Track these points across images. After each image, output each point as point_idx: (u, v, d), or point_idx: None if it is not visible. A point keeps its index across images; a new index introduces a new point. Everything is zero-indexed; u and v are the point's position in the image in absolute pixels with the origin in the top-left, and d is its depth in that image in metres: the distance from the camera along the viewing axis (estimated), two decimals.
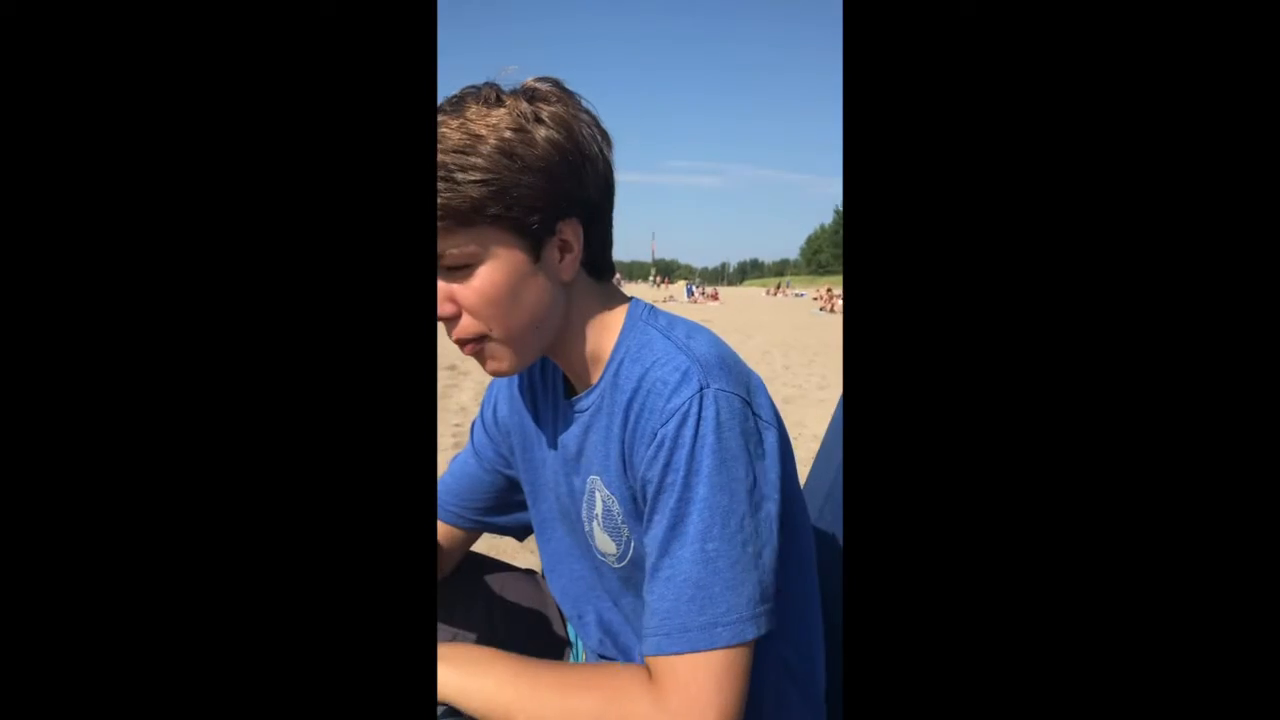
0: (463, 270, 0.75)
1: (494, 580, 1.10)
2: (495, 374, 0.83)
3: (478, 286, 0.76)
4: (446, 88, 0.76)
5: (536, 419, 0.94)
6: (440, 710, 0.74)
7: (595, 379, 0.84)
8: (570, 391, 0.89)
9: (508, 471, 1.02)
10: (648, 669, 0.71)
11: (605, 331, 0.84)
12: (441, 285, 0.77)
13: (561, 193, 0.76)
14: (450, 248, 0.74)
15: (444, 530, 1.04)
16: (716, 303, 31.99)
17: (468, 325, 0.78)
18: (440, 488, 1.06)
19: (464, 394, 5.82)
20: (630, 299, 0.87)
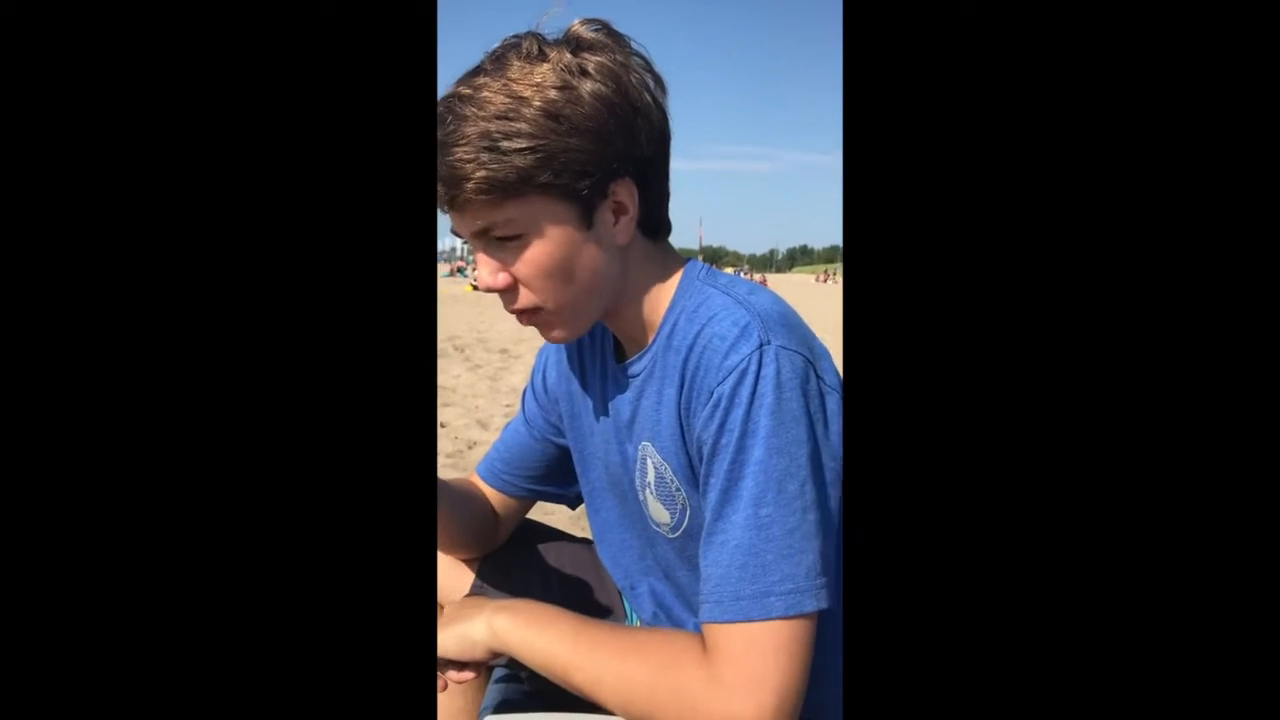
0: (514, 241, 0.73)
1: (549, 549, 1.10)
2: (554, 342, 0.81)
3: (530, 258, 0.73)
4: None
5: (585, 386, 0.93)
6: (501, 660, 0.76)
7: (649, 342, 0.81)
8: (621, 356, 0.87)
9: (558, 440, 1.01)
10: (702, 638, 0.69)
11: (661, 293, 0.81)
12: (493, 257, 0.75)
13: (612, 152, 0.73)
14: (499, 220, 0.71)
15: (496, 498, 1.05)
16: None
17: (526, 296, 0.76)
18: (492, 454, 1.07)
19: (515, 376, 5.89)
20: (687, 259, 0.84)
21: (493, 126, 0.69)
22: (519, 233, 0.72)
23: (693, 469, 0.76)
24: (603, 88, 0.71)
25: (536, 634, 0.73)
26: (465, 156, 0.69)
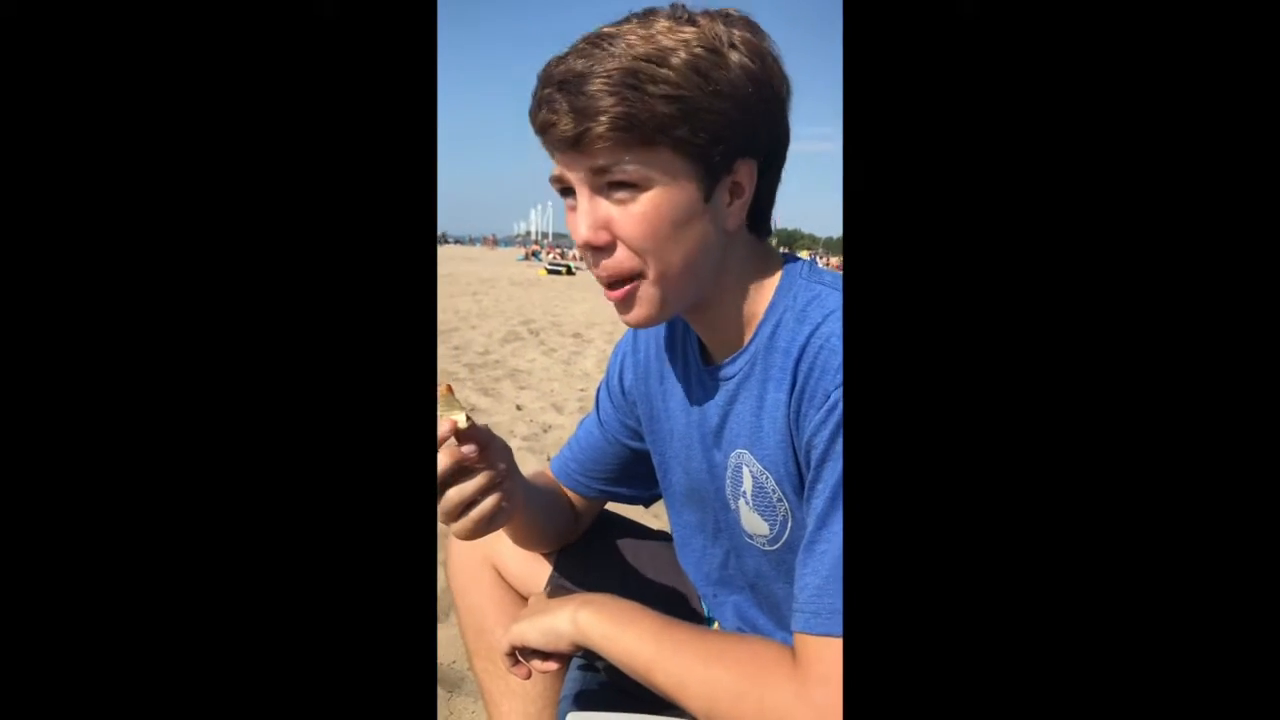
0: (626, 190, 0.69)
1: (627, 545, 1.10)
2: (635, 324, 0.76)
3: (641, 213, 0.70)
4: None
5: (665, 389, 0.91)
6: (579, 651, 0.76)
7: (744, 342, 0.78)
8: (707, 359, 0.84)
9: (633, 443, 0.99)
10: (794, 649, 0.67)
11: (761, 291, 0.78)
12: (598, 207, 0.71)
13: (748, 127, 0.71)
14: (621, 163, 0.68)
15: (572, 497, 1.05)
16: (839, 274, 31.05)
17: (623, 259, 0.72)
18: (566, 453, 1.06)
19: (587, 360, 5.93)
20: (787, 257, 0.82)
21: (637, 66, 0.66)
22: (636, 181, 0.69)
23: (800, 477, 0.73)
24: (750, 63, 0.70)
25: (620, 631, 0.73)
26: (604, 89, 0.66)
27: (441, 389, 0.72)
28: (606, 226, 0.71)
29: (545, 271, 23.61)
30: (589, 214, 0.71)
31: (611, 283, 0.74)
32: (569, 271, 23.76)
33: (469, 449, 0.73)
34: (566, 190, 0.73)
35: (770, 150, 0.75)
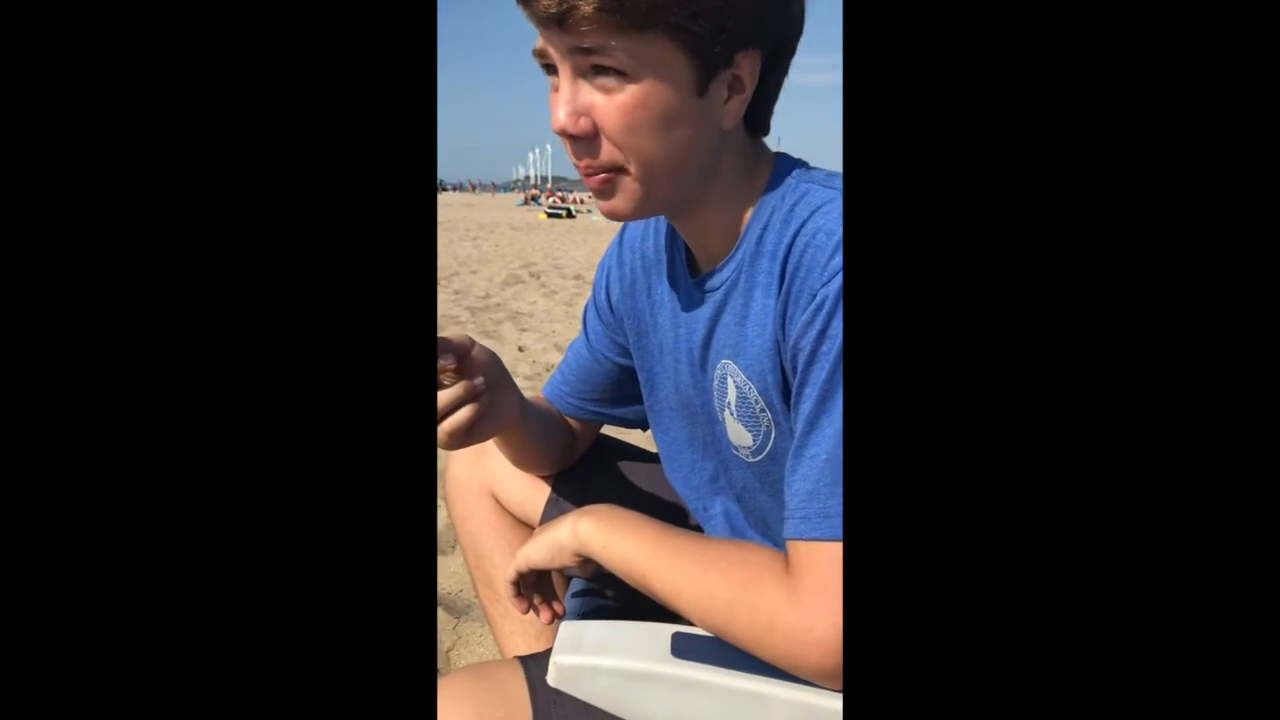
0: (612, 77, 0.64)
1: (625, 467, 1.10)
2: (612, 215, 0.72)
3: (624, 103, 0.64)
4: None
5: (652, 302, 0.88)
6: (580, 564, 0.76)
7: (730, 251, 0.75)
8: (695, 270, 0.82)
9: (622, 360, 0.97)
10: (786, 555, 0.66)
11: (750, 193, 0.73)
12: (579, 92, 0.66)
13: (755, 13, 0.65)
14: (608, 46, 0.62)
15: (567, 421, 1.04)
16: None
17: (603, 152, 0.67)
18: (557, 377, 1.05)
19: None
20: (778, 154, 0.76)
21: None
22: (623, 69, 0.63)
23: (786, 386, 0.71)
24: None
25: (619, 539, 0.72)
26: None
27: None
28: (587, 113, 0.66)
29: (545, 215, 23.48)
30: (569, 99, 0.66)
31: (588, 174, 0.69)
32: (569, 215, 23.65)
33: (444, 360, 0.72)
34: (550, 67, 0.68)
35: (777, 41, 0.69)
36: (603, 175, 0.68)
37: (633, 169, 0.68)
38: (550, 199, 40.04)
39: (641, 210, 0.71)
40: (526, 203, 38.33)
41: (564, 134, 0.67)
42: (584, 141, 0.67)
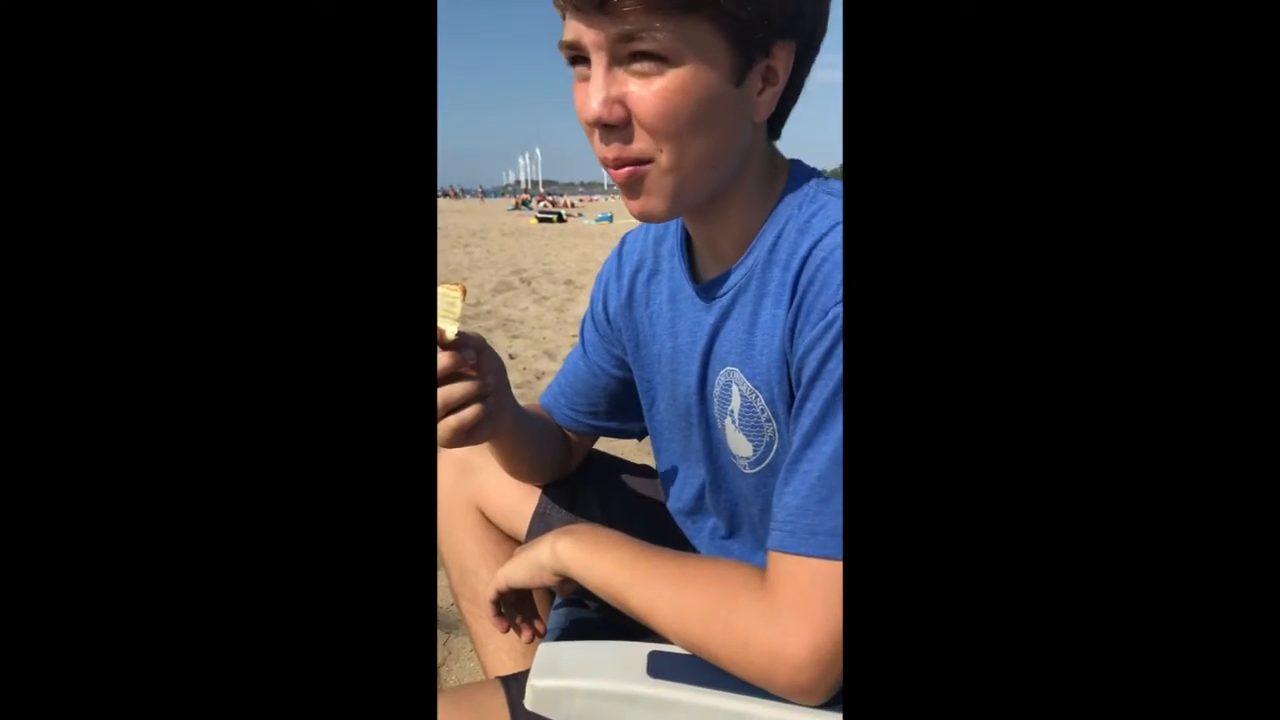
0: (651, 62, 0.62)
1: (615, 481, 1.10)
2: (642, 215, 0.70)
3: (664, 88, 0.62)
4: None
5: (652, 311, 0.88)
6: (560, 583, 0.76)
7: (741, 255, 0.74)
8: (697, 278, 0.81)
9: (619, 373, 0.97)
10: (764, 570, 0.66)
11: (765, 199, 0.72)
12: (615, 80, 0.64)
13: (794, 2, 0.64)
14: (648, 30, 0.60)
15: (564, 431, 1.05)
16: None
17: (636, 141, 0.65)
18: (554, 389, 1.05)
19: (580, 307, 5.90)
20: (793, 161, 0.76)
21: None
22: (664, 54, 0.61)
23: (792, 398, 0.69)
24: None
25: (597, 558, 0.72)
26: None
27: (457, 289, 0.70)
28: (622, 101, 0.64)
29: (536, 220, 23.47)
30: (604, 86, 0.64)
31: (617, 165, 0.67)
32: (560, 219, 23.63)
33: (456, 356, 0.72)
34: (578, 59, 0.66)
35: (810, 34, 0.68)
36: (630, 168, 0.66)
37: (665, 159, 0.65)
38: (541, 203, 40.05)
39: (673, 209, 0.69)
40: (517, 208, 38.35)
41: (597, 123, 0.65)
42: (616, 130, 0.65)
